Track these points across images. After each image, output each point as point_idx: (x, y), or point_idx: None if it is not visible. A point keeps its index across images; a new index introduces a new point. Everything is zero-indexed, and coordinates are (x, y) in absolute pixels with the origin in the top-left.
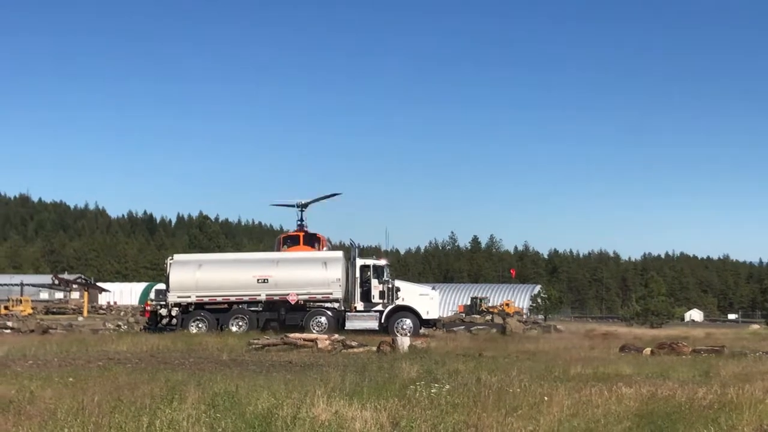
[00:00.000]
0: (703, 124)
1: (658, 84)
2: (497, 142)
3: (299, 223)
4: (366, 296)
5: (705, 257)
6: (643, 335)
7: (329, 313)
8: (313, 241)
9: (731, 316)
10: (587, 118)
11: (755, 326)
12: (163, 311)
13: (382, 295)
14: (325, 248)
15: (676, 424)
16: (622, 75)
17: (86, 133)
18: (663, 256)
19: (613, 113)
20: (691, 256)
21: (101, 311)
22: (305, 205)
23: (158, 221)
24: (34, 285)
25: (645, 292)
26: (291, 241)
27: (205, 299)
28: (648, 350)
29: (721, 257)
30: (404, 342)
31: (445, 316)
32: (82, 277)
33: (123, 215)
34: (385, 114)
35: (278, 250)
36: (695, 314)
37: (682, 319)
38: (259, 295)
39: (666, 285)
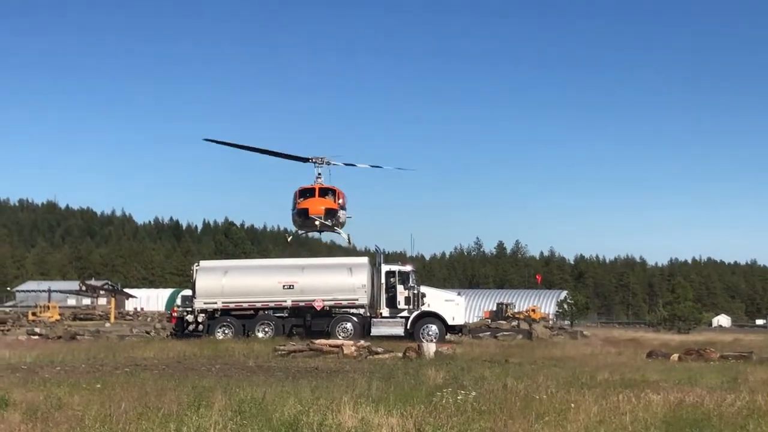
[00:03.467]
0: (729, 127)
1: (682, 86)
2: (522, 146)
3: (317, 177)
4: (391, 302)
5: (732, 262)
6: (670, 341)
7: (355, 319)
8: (328, 192)
9: (759, 322)
10: (613, 121)
11: None
12: (190, 317)
13: (407, 300)
14: (341, 200)
15: (704, 431)
16: (647, 77)
17: (113, 140)
18: (690, 261)
19: (638, 117)
20: (719, 261)
21: (128, 317)
22: (322, 162)
23: (184, 227)
24: (61, 291)
25: (672, 297)
26: (308, 193)
27: (231, 305)
28: (675, 356)
29: (749, 262)
30: (430, 348)
31: (470, 322)
32: (109, 283)
33: (149, 221)
34: (409, 119)
35: (295, 202)
36: (723, 320)
37: (710, 324)
38: (285, 301)
39: (693, 290)
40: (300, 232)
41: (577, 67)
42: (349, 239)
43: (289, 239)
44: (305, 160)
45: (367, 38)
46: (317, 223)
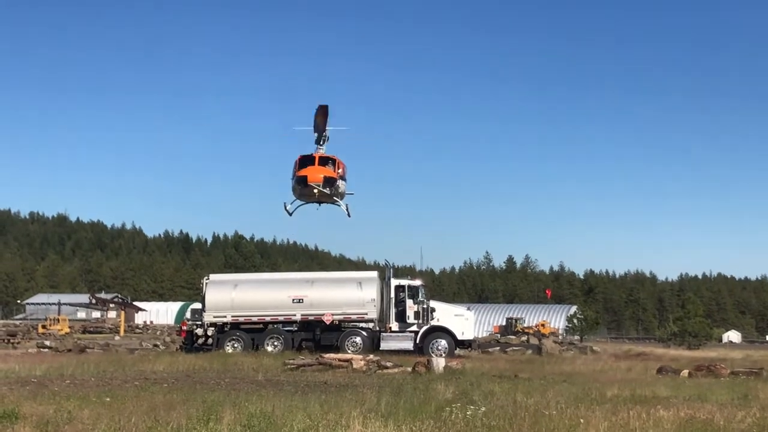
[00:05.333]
0: (740, 143)
1: (694, 102)
2: (532, 161)
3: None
4: (401, 316)
5: (743, 278)
6: (680, 357)
7: (364, 333)
8: (328, 162)
9: None
10: (621, 137)
11: None
12: (199, 331)
13: (416, 315)
14: (340, 170)
15: None
16: (654, 93)
17: (123, 154)
18: (700, 276)
19: (648, 132)
20: (729, 276)
21: (138, 330)
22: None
23: (194, 241)
24: (71, 304)
25: (682, 313)
26: (308, 161)
27: (241, 319)
28: (686, 372)
29: (759, 278)
30: (439, 363)
31: (480, 336)
32: (119, 296)
33: (159, 235)
34: (419, 132)
35: (295, 170)
36: (733, 335)
37: (720, 340)
38: (295, 315)
39: (703, 306)
40: (299, 202)
41: (585, 84)
42: (347, 211)
43: (286, 208)
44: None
45: (376, 48)
46: (315, 191)
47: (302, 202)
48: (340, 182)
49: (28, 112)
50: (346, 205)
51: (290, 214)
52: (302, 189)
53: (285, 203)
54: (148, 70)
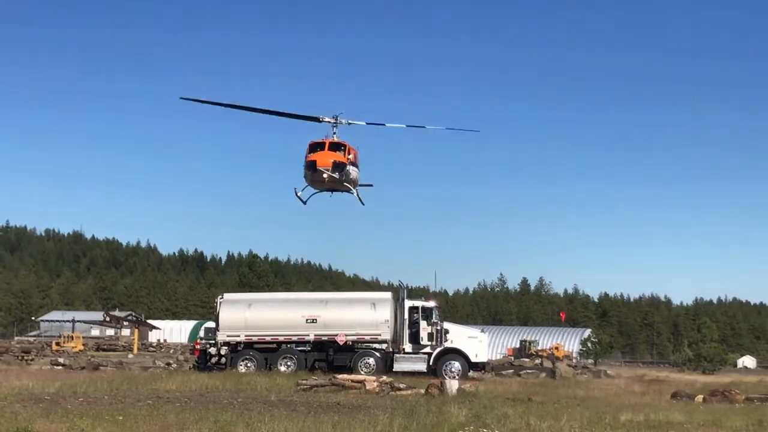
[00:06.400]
0: (756, 166)
1: (708, 123)
2: (547, 183)
3: (333, 133)
4: (414, 338)
5: (758, 303)
6: (694, 382)
7: (377, 354)
8: (339, 147)
9: None
10: (635, 159)
11: None
12: (213, 350)
13: (430, 337)
14: (351, 155)
15: None
16: (665, 113)
17: (139, 172)
18: (715, 301)
19: (665, 155)
20: (744, 301)
21: (151, 349)
22: (337, 122)
23: (208, 259)
24: (85, 321)
25: (697, 337)
26: (319, 147)
27: (254, 338)
28: (700, 397)
29: None
30: (453, 385)
31: (493, 359)
32: (133, 314)
33: (174, 253)
34: (433, 154)
35: (306, 155)
36: (748, 361)
37: (735, 365)
38: (308, 335)
39: (718, 331)
40: (311, 190)
41: (597, 103)
42: (360, 198)
43: (298, 194)
44: (317, 119)
45: (386, 76)
46: (325, 176)
47: (315, 191)
48: (350, 168)
49: (44, 128)
50: (356, 190)
51: (304, 203)
52: (312, 174)
53: (295, 189)
54: (164, 89)
